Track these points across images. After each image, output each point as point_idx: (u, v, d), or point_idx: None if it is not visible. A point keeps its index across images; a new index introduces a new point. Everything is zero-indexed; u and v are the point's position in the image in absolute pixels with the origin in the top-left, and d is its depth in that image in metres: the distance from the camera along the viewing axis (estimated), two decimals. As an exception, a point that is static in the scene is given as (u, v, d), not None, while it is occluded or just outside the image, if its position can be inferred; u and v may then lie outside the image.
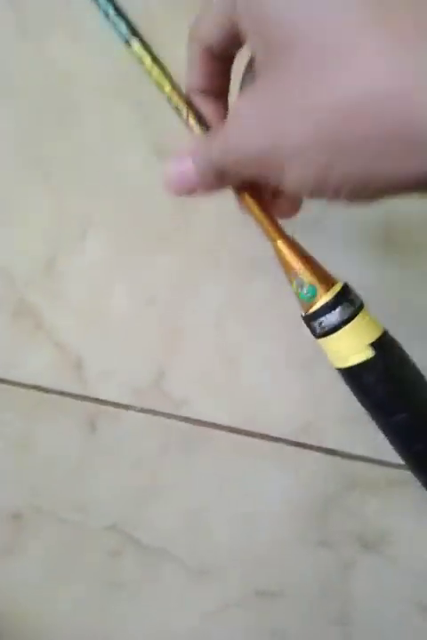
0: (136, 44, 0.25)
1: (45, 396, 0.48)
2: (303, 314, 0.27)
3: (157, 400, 0.47)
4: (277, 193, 0.27)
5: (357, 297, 0.27)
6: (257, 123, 0.22)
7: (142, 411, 0.47)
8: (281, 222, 0.28)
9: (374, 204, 0.23)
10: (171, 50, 0.27)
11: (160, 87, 0.26)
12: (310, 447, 0.47)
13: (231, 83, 0.28)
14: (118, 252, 0.46)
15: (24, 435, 0.48)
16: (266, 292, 0.45)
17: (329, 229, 0.45)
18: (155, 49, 0.27)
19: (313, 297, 0.26)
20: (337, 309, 0.26)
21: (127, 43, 0.25)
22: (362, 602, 0.50)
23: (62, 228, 0.47)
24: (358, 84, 0.18)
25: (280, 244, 0.26)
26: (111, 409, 0.48)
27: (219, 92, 0.27)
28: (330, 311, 0.26)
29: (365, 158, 0.19)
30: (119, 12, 0.24)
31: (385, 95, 0.18)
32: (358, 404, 0.41)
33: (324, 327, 0.26)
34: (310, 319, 0.27)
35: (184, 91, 0.27)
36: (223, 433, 0.47)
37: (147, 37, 0.26)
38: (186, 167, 0.26)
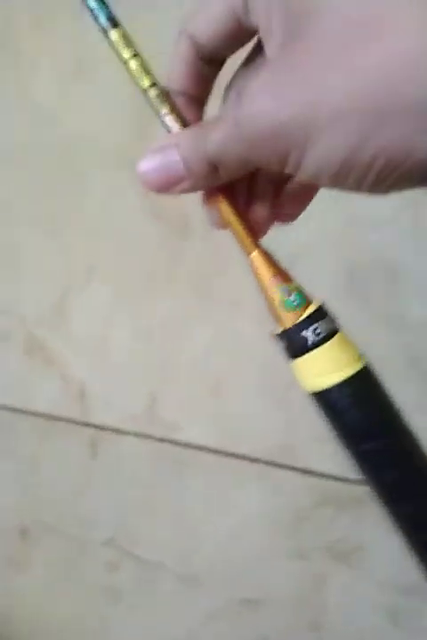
0: (114, 35, 0.24)
1: (52, 422, 0.54)
2: (288, 326, 0.25)
3: (151, 425, 0.53)
4: (252, 198, 0.26)
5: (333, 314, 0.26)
6: (285, 94, 0.20)
7: (138, 435, 0.53)
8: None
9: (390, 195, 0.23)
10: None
11: (138, 81, 0.24)
12: (287, 467, 0.53)
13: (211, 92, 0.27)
14: (118, 294, 0.53)
15: (32, 457, 0.54)
16: (247, 329, 0.52)
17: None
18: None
19: (302, 304, 0.25)
20: (329, 316, 0.25)
21: (105, 32, 0.24)
22: (336, 610, 0.55)
23: (69, 273, 0.54)
24: (402, 48, 0.18)
25: (258, 252, 0.25)
26: (110, 434, 0.54)
27: (199, 97, 0.25)
28: (324, 317, 0.24)
29: (405, 128, 0.18)
30: (100, 3, 0.23)
31: None
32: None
33: (319, 333, 0.24)
34: (301, 328, 0.24)
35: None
36: (209, 454, 0.53)
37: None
38: (169, 159, 0.23)
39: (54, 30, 0.59)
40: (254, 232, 0.26)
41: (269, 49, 0.22)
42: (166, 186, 0.24)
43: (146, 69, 0.24)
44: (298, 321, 0.24)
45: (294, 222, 0.53)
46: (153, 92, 0.24)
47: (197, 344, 0.52)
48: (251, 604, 0.54)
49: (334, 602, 0.55)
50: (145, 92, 0.24)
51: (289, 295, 0.25)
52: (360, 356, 0.25)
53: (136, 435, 0.53)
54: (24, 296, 0.55)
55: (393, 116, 0.18)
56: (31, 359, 0.54)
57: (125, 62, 0.24)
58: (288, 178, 0.26)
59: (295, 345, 0.25)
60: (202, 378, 0.53)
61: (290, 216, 0.27)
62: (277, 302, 0.25)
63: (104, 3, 0.24)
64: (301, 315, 0.24)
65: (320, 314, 0.24)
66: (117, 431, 0.53)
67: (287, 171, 0.21)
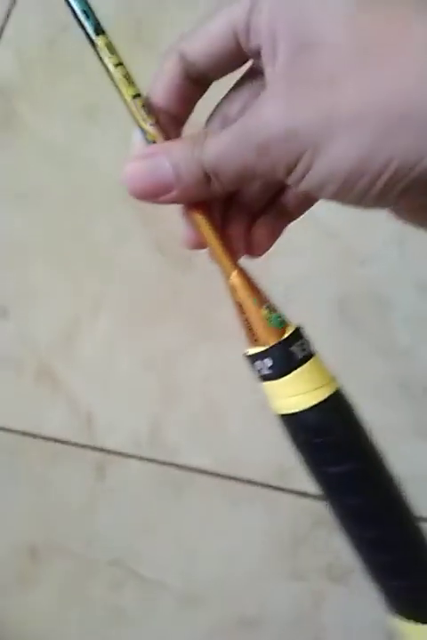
0: (100, 42, 0.23)
1: (60, 446, 0.57)
2: (270, 344, 0.24)
3: (154, 449, 0.56)
4: (225, 227, 0.26)
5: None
6: (299, 101, 0.20)
7: (141, 459, 0.56)
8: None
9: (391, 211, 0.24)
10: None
11: (123, 89, 0.24)
12: (284, 489, 0.55)
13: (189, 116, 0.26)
14: (124, 325, 0.57)
15: (41, 479, 0.57)
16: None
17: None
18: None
19: (284, 323, 0.25)
20: (307, 337, 0.25)
21: (90, 38, 0.23)
22: (334, 629, 0.57)
23: (78, 306, 0.57)
24: (416, 68, 0.19)
25: (238, 272, 0.25)
26: (116, 457, 0.56)
27: (179, 117, 0.25)
28: (304, 336, 0.25)
29: (415, 139, 0.19)
30: (87, 10, 0.23)
31: None
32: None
33: (305, 349, 0.24)
34: (289, 343, 0.24)
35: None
36: (209, 477, 0.55)
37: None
38: (159, 166, 0.23)
39: (67, 77, 0.64)
40: (233, 252, 0.25)
41: (275, 68, 0.22)
42: (152, 193, 0.23)
43: (130, 79, 0.24)
44: (286, 336, 0.24)
45: (290, 256, 0.58)
46: (139, 103, 0.24)
47: (198, 371, 0.55)
48: (250, 623, 0.56)
49: (332, 621, 0.57)
50: (130, 100, 0.24)
51: (273, 312, 0.25)
52: (334, 379, 0.25)
53: (140, 458, 0.56)
54: (36, 326, 0.59)
55: (405, 127, 0.19)
56: (41, 386, 0.58)
57: (110, 69, 0.24)
58: (264, 207, 0.27)
59: (282, 361, 0.24)
60: (202, 404, 0.56)
61: (260, 248, 0.27)
62: (261, 320, 0.25)
63: (90, 9, 0.23)
64: (284, 332, 0.25)
65: (302, 332, 0.25)
66: (122, 455, 0.56)
67: (291, 179, 0.21)
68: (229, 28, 0.22)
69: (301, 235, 0.60)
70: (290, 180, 0.22)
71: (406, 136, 0.19)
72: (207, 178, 0.23)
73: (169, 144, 0.23)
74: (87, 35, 0.23)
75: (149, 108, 0.24)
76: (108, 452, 0.57)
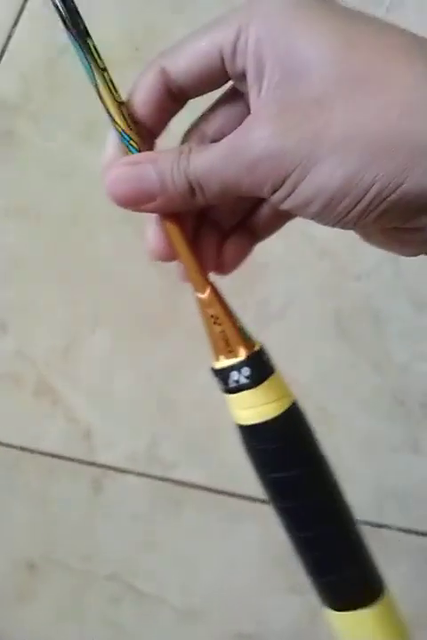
0: (90, 42, 0.23)
1: (59, 461, 0.57)
2: (249, 354, 0.26)
3: (152, 465, 0.56)
4: (196, 243, 0.26)
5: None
6: (290, 123, 0.21)
7: (139, 474, 0.56)
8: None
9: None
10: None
11: (108, 96, 0.23)
12: (280, 504, 0.55)
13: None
14: (121, 341, 0.57)
15: (40, 494, 0.57)
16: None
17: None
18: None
19: (250, 335, 0.26)
20: (268, 356, 0.26)
21: (79, 43, 0.23)
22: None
23: (76, 322, 0.58)
24: (401, 98, 0.20)
25: (212, 288, 0.26)
26: (114, 473, 0.57)
27: (153, 131, 0.25)
28: (267, 355, 0.26)
29: (400, 162, 0.20)
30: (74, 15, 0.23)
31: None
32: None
33: (270, 359, 0.26)
34: (263, 353, 0.26)
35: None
36: (206, 493, 0.56)
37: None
38: (144, 173, 0.23)
39: (68, 93, 0.65)
40: (204, 267, 0.26)
41: (262, 91, 0.22)
42: (135, 200, 0.24)
43: (114, 86, 0.24)
44: (259, 345, 0.26)
45: (286, 271, 0.59)
46: (125, 110, 0.24)
47: (195, 387, 0.56)
48: (248, 637, 0.56)
49: (329, 635, 0.57)
50: (116, 107, 0.24)
51: (242, 325, 0.26)
52: (291, 393, 0.26)
53: (137, 474, 0.56)
54: (35, 341, 0.59)
55: (389, 153, 0.20)
56: (40, 401, 0.58)
57: (95, 74, 0.23)
58: (235, 226, 0.27)
59: (260, 369, 0.26)
60: (200, 419, 0.56)
61: (230, 266, 0.28)
62: (239, 332, 0.26)
63: (76, 11, 0.23)
64: (254, 344, 0.26)
65: (263, 352, 0.26)
66: (120, 470, 0.57)
67: (276, 197, 0.22)
68: (215, 48, 0.23)
69: (297, 250, 0.60)
70: (275, 198, 0.23)
71: (390, 161, 0.21)
72: (192, 190, 0.23)
73: (155, 153, 0.24)
74: (74, 36, 0.23)
75: (132, 116, 0.24)
76: (106, 467, 0.57)
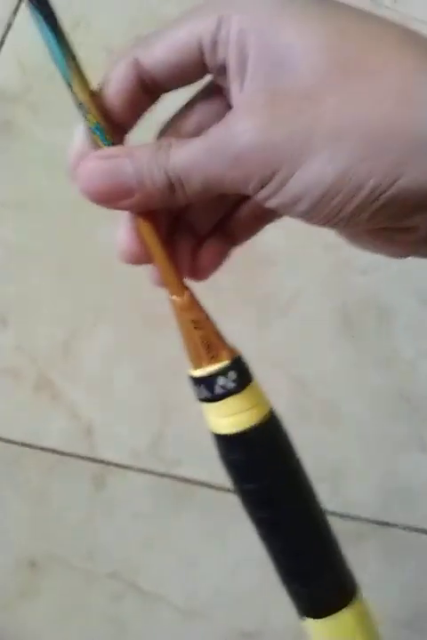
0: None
1: (60, 457, 0.57)
2: (233, 358, 0.25)
3: (153, 461, 0.55)
4: (172, 247, 0.25)
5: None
6: (278, 115, 0.20)
7: (141, 470, 0.56)
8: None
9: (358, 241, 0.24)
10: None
11: (82, 87, 0.22)
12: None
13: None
14: (123, 336, 0.56)
15: (41, 491, 0.57)
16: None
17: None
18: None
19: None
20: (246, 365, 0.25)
21: (53, 29, 0.22)
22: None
23: (77, 316, 0.57)
24: (397, 86, 0.19)
25: (189, 292, 0.25)
26: (115, 469, 0.56)
27: (124, 125, 0.24)
28: (245, 365, 0.25)
29: (395, 157, 0.19)
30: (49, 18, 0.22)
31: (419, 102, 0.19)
32: (329, 464, 0.49)
33: (248, 367, 0.25)
34: (242, 360, 0.25)
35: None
36: (208, 490, 0.55)
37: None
38: (120, 168, 0.22)
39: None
40: (180, 271, 0.25)
41: (246, 83, 0.21)
42: (110, 197, 0.22)
43: (85, 76, 0.22)
44: (238, 354, 0.25)
45: (291, 267, 0.57)
46: (98, 102, 0.22)
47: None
48: (251, 636, 0.56)
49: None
50: (88, 97, 0.22)
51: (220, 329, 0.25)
52: (268, 401, 0.25)
53: (139, 470, 0.56)
54: (36, 336, 0.58)
55: (383, 147, 0.19)
56: (41, 396, 0.57)
57: (66, 63, 0.22)
58: (210, 231, 0.26)
59: (244, 373, 0.25)
60: (202, 416, 0.55)
61: (205, 272, 0.27)
62: (220, 337, 0.25)
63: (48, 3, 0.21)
64: (232, 348, 0.25)
65: (242, 359, 0.25)
66: (122, 466, 0.56)
67: (263, 193, 0.21)
68: (194, 38, 0.21)
69: (302, 244, 0.59)
70: (261, 195, 0.21)
71: (384, 157, 0.19)
72: (171, 186, 0.22)
73: (132, 147, 0.22)
74: (44, 21, 0.21)
75: (103, 109, 0.23)
76: (108, 463, 0.56)
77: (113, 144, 0.22)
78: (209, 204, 0.25)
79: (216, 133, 0.21)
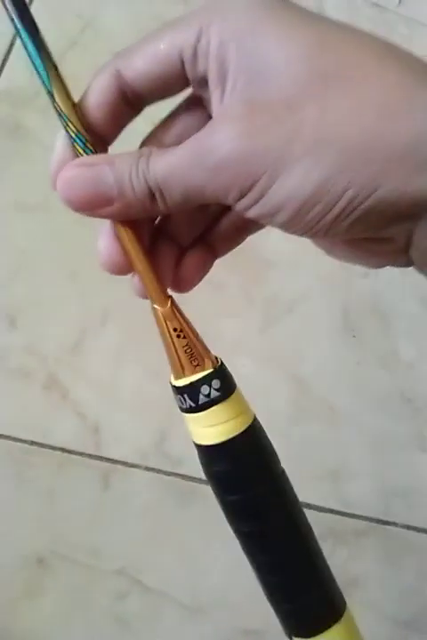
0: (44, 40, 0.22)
1: (67, 456, 0.58)
2: (216, 366, 0.25)
3: (159, 460, 0.56)
4: (154, 259, 0.25)
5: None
6: (259, 124, 0.20)
7: (147, 469, 0.57)
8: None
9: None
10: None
11: (64, 97, 0.22)
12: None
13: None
14: (130, 336, 0.57)
15: (49, 489, 0.58)
16: (247, 369, 0.55)
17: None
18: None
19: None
20: (229, 374, 0.25)
21: (34, 41, 0.22)
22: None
23: (86, 317, 0.58)
24: (377, 99, 0.19)
25: (172, 301, 0.25)
26: (122, 467, 0.57)
27: (106, 137, 0.24)
28: (228, 373, 0.25)
29: (374, 167, 0.19)
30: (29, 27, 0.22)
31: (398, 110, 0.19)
32: (330, 463, 0.49)
33: (231, 376, 0.25)
34: (225, 369, 0.25)
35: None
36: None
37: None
38: (100, 176, 0.22)
39: (76, 87, 0.64)
40: (163, 281, 0.25)
41: (226, 94, 0.21)
42: (90, 205, 0.23)
43: (66, 86, 0.22)
44: (220, 363, 0.25)
45: (292, 269, 0.59)
46: (79, 112, 0.22)
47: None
48: (254, 634, 0.57)
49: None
50: (71, 107, 0.22)
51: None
52: (251, 409, 0.25)
53: (146, 468, 0.57)
54: (44, 336, 0.59)
55: (362, 158, 0.19)
56: (49, 396, 0.58)
57: (48, 72, 0.22)
58: (192, 243, 0.26)
59: (228, 380, 0.25)
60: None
61: (188, 283, 0.27)
62: (201, 344, 0.25)
63: (24, 3, 0.21)
64: (215, 356, 0.25)
65: (225, 368, 0.25)
66: (128, 465, 0.57)
67: (242, 203, 0.21)
68: (175, 50, 0.21)
69: (303, 247, 0.60)
70: (241, 205, 0.21)
71: (364, 166, 0.19)
72: (152, 195, 0.22)
73: (112, 155, 0.22)
74: (25, 31, 0.22)
75: (84, 120, 0.23)
76: (115, 461, 0.57)
77: (94, 153, 0.22)
78: (191, 215, 0.25)
79: (196, 143, 0.21)
